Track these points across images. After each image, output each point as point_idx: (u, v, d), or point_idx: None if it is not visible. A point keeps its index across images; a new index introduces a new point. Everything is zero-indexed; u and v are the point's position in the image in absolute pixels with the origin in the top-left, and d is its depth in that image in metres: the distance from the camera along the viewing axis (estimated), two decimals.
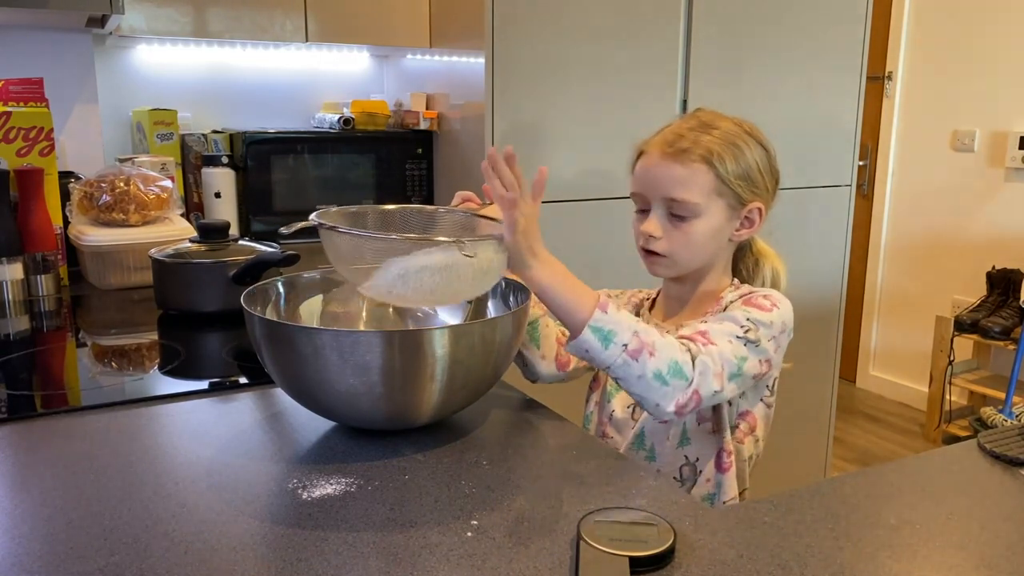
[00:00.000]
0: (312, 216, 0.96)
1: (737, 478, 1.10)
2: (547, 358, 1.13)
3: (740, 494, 1.11)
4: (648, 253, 1.09)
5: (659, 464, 1.11)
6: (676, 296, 1.15)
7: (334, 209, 1.03)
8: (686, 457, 1.10)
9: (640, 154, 1.10)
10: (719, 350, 0.96)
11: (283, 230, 0.99)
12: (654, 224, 1.07)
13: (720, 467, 1.08)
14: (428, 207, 1.10)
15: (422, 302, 1.01)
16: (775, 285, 1.14)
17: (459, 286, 0.94)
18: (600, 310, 0.91)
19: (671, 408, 0.93)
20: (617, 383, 0.95)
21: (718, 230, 1.07)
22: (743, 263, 1.15)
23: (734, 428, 1.09)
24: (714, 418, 1.08)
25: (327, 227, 0.94)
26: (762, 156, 1.08)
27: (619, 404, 1.16)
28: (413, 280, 0.91)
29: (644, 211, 1.09)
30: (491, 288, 1.03)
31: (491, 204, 1.15)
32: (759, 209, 1.08)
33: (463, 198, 1.15)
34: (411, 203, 2.25)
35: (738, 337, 0.98)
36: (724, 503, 1.08)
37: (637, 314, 1.18)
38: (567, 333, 1.18)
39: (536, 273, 0.94)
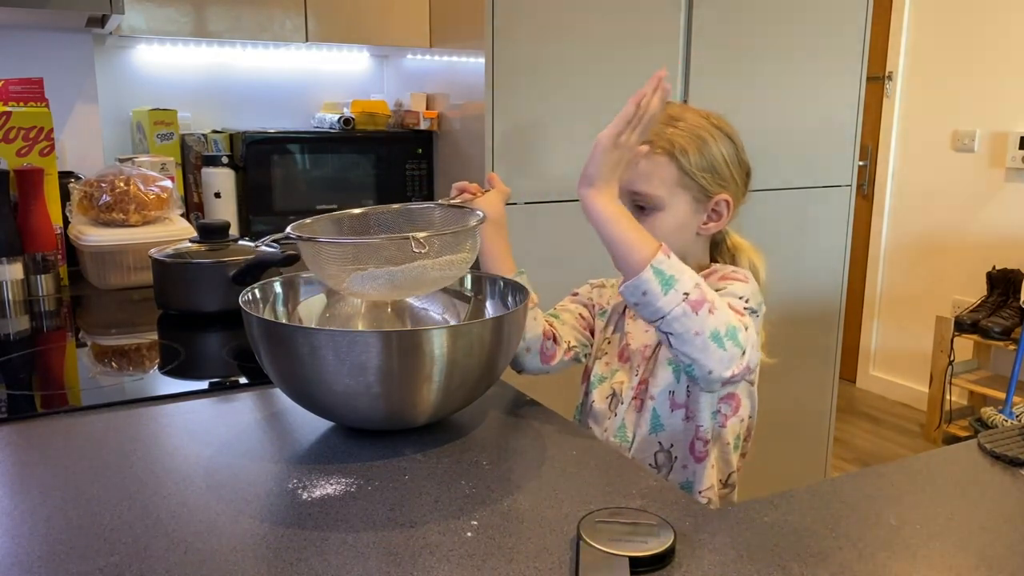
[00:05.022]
0: (289, 228, 0.97)
1: (721, 463, 1.09)
2: (532, 350, 1.13)
3: (727, 477, 1.10)
4: None
5: (633, 452, 1.10)
6: None
7: (309, 221, 1.03)
8: (660, 444, 1.09)
9: None
10: (747, 321, 0.94)
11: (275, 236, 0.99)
12: None
13: (695, 455, 1.08)
14: (395, 206, 1.10)
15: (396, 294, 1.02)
16: (755, 278, 1.13)
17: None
18: (664, 253, 0.87)
19: (726, 374, 0.88)
20: (666, 340, 0.89)
21: (683, 223, 1.07)
22: (720, 257, 1.15)
23: (716, 412, 1.08)
24: (688, 404, 1.07)
25: (304, 239, 0.95)
26: (729, 148, 1.07)
27: (599, 395, 1.16)
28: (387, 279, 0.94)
29: None
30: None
31: (489, 191, 1.15)
32: (727, 201, 1.08)
33: (459, 189, 1.15)
34: (411, 203, 2.25)
35: (745, 309, 0.96)
36: (701, 492, 1.07)
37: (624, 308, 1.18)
38: (553, 325, 1.19)
39: (600, 196, 0.91)
